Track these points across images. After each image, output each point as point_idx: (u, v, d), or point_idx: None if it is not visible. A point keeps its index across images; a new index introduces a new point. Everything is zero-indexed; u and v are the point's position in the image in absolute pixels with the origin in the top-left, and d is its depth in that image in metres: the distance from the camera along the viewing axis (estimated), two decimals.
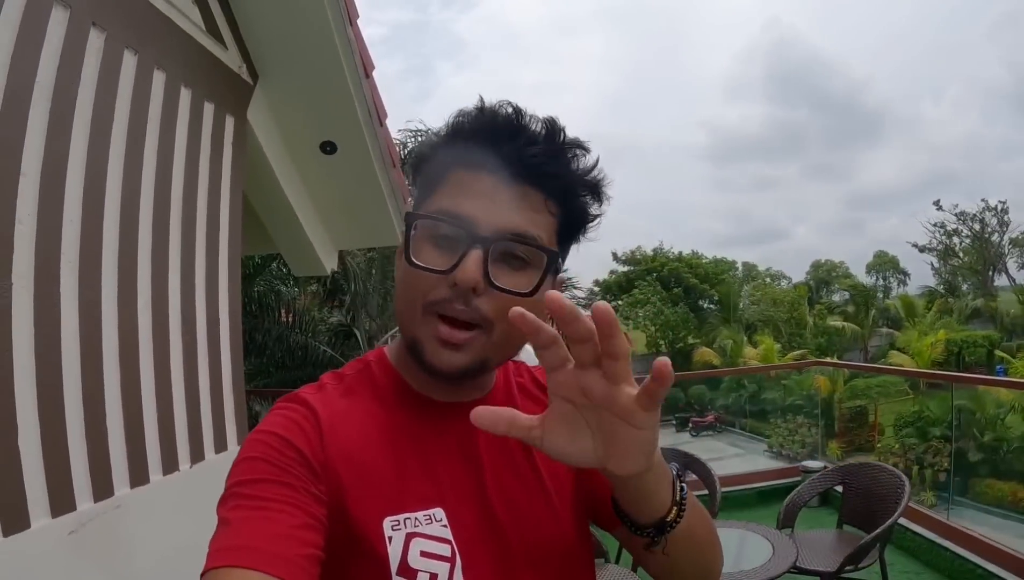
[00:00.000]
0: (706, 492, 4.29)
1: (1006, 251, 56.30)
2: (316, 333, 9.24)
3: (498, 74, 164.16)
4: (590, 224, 0.87)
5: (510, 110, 0.80)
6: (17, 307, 1.74)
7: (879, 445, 16.42)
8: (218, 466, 2.63)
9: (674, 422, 20.01)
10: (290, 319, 9.04)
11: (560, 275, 0.88)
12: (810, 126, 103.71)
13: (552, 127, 0.80)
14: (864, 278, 62.82)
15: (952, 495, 16.06)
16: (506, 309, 0.66)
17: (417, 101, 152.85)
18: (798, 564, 3.40)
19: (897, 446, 16.04)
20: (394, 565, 0.76)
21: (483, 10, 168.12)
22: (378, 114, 3.65)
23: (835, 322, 36.09)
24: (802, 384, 19.60)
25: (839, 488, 4.27)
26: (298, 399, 0.83)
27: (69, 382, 1.91)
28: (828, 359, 19.90)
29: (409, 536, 0.78)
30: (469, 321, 0.78)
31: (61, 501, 1.84)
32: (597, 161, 0.84)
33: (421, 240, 0.79)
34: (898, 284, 67.83)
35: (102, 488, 2.00)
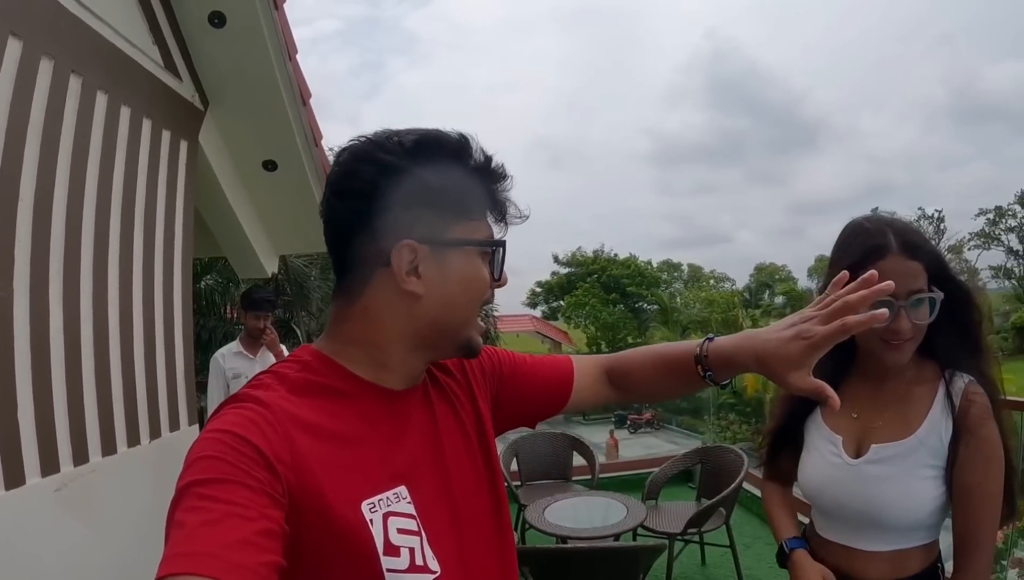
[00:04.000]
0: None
1: (944, 257, 58.42)
2: None
3: (450, 72, 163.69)
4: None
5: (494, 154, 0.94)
6: (17, 311, 2.17)
7: None
8: (172, 442, 3.11)
9: (613, 419, 20.49)
10: (234, 316, 9.32)
11: None
12: (752, 134, 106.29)
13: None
14: (806, 281, 64.65)
15: None
16: None
17: (369, 97, 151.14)
18: (646, 524, 4.10)
19: None
20: (380, 546, 0.80)
21: (437, 8, 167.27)
22: (314, 136, 4.10)
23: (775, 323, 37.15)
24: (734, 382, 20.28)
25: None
26: (250, 398, 0.82)
27: (56, 368, 2.35)
28: None
29: (386, 516, 0.82)
30: None
31: (48, 464, 2.27)
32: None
33: (479, 257, 0.94)
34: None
35: (80, 454, 2.44)
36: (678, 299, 38.96)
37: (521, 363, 1.20)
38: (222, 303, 9.56)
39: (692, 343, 1.07)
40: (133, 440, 2.80)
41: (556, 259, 46.67)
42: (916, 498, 1.42)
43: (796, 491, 1.75)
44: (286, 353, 4.05)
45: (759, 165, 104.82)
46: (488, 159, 0.92)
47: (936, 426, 1.42)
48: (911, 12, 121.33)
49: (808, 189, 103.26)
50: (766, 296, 54.96)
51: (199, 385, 3.69)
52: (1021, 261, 64.38)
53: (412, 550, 0.82)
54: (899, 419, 1.49)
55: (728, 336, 1.03)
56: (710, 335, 1.05)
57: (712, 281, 54.71)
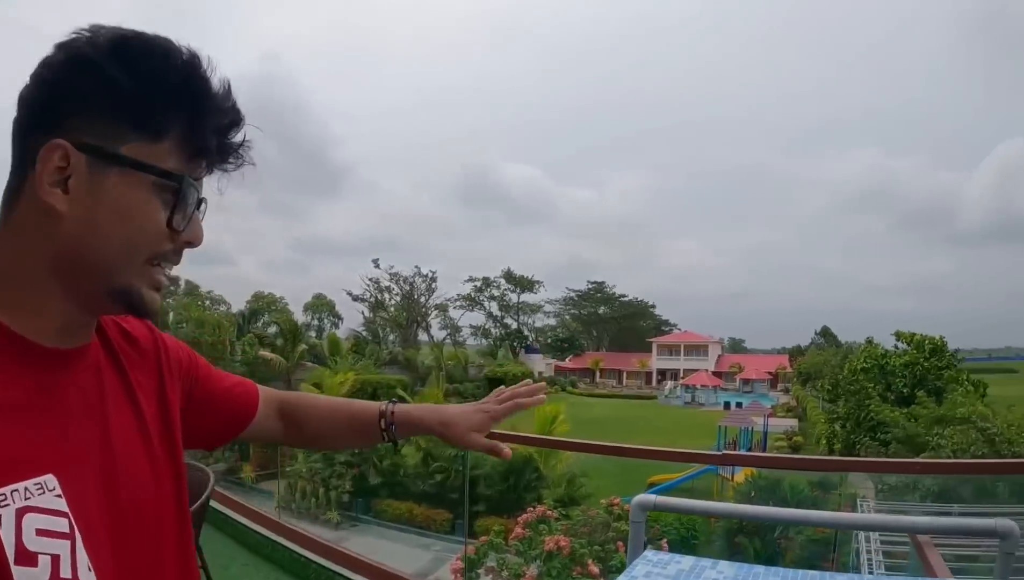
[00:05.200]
0: None
1: (430, 312, 66.14)
2: None
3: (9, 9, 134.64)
4: None
5: (225, 78, 0.79)
6: None
7: (290, 469, 17.46)
8: None
9: None
10: None
11: None
12: (277, 163, 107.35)
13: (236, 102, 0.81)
14: (301, 315, 66.98)
15: (357, 514, 17.97)
16: None
17: None
18: None
19: (306, 470, 17.33)
20: (11, 552, 0.62)
21: None
22: None
23: (264, 353, 37.28)
24: None
25: None
26: None
27: None
28: None
29: (20, 512, 0.63)
30: None
31: None
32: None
33: (152, 191, 0.75)
34: (331, 326, 73.93)
35: None
36: (171, 315, 36.94)
37: (214, 373, 1.10)
38: None
39: (376, 403, 1.21)
40: None
41: None
42: None
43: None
44: None
45: (276, 195, 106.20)
46: (205, 82, 0.77)
47: None
48: (453, 99, 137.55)
49: (319, 229, 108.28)
50: (260, 324, 55.56)
51: None
52: (497, 324, 76.21)
53: (56, 558, 0.64)
54: None
55: (412, 404, 1.23)
56: (394, 399, 1.25)
57: (208, 302, 53.35)
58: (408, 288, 64.69)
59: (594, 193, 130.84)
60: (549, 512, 8.75)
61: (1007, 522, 2.34)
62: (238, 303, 59.52)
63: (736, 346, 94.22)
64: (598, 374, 77.91)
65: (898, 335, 27.55)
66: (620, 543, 8.35)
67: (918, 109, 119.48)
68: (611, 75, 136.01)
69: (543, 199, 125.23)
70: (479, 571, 8.18)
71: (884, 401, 22.87)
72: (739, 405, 49.23)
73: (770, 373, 68.64)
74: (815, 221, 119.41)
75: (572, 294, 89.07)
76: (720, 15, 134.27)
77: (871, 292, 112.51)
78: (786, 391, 62.13)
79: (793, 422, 43.23)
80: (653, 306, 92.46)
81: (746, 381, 67.55)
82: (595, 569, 7.69)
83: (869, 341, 30.98)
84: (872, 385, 24.80)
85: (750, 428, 32.20)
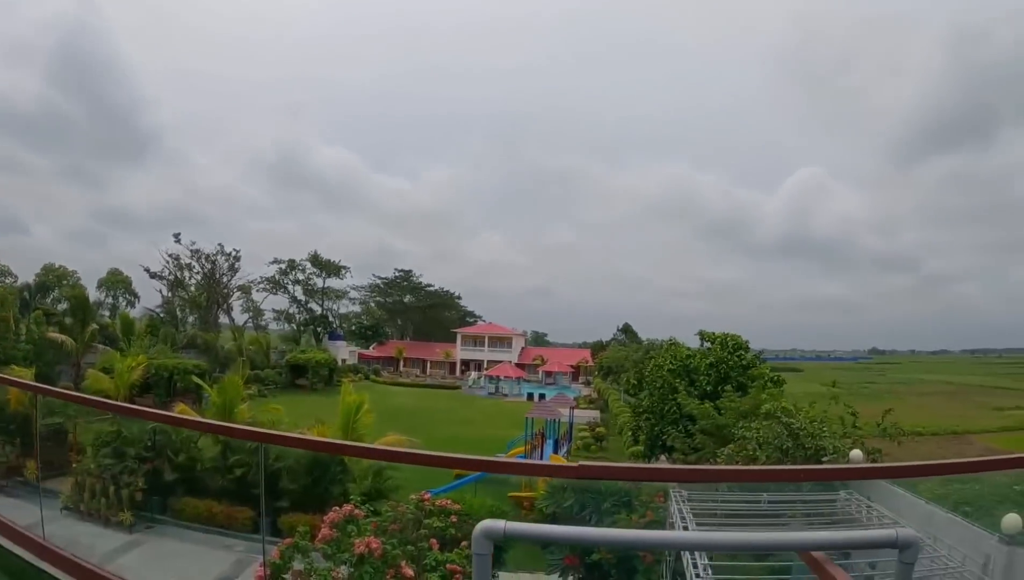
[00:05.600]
0: None
1: (232, 294, 62.83)
2: None
3: None
4: None
5: None
6: None
7: (77, 465, 15.71)
8: None
9: None
10: None
11: None
12: (81, 125, 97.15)
13: None
14: (95, 293, 61.64)
15: (153, 514, 16.45)
16: None
17: None
18: None
19: (95, 465, 15.62)
20: None
21: None
22: None
23: (53, 334, 33.87)
24: None
25: None
26: None
27: None
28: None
29: None
30: None
31: None
32: None
33: None
34: (127, 304, 68.49)
35: None
36: None
37: None
38: None
39: None
40: None
41: None
42: None
43: None
44: None
45: (77, 160, 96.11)
46: None
47: None
48: (275, 73, 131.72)
49: (121, 200, 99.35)
50: (49, 299, 50.58)
51: None
52: (302, 309, 73.67)
53: None
54: None
55: None
56: None
57: None
58: (210, 267, 60.71)
59: (407, 183, 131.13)
60: (357, 511, 8.21)
61: (908, 531, 2.16)
62: (27, 276, 54.25)
63: (539, 339, 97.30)
64: (402, 363, 77.90)
65: (702, 335, 29.18)
66: (433, 540, 7.98)
67: (725, 130, 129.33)
68: (435, 66, 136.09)
69: (356, 185, 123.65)
70: (285, 577, 7.47)
71: (689, 396, 23.98)
72: (542, 396, 50.74)
73: (572, 366, 71.57)
74: (622, 225, 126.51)
75: (379, 281, 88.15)
76: (546, 17, 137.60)
77: (672, 294, 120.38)
78: (587, 384, 65.09)
79: (595, 414, 45.28)
80: (459, 297, 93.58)
81: (549, 373, 69.90)
82: (409, 571, 7.27)
83: (672, 341, 32.66)
84: (677, 381, 25.97)
85: (556, 419, 33.11)
